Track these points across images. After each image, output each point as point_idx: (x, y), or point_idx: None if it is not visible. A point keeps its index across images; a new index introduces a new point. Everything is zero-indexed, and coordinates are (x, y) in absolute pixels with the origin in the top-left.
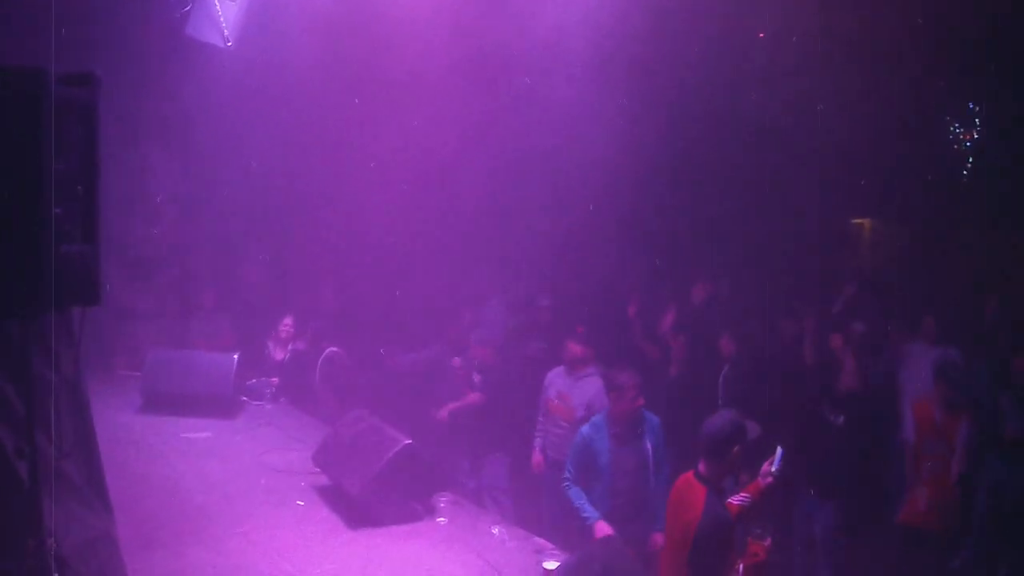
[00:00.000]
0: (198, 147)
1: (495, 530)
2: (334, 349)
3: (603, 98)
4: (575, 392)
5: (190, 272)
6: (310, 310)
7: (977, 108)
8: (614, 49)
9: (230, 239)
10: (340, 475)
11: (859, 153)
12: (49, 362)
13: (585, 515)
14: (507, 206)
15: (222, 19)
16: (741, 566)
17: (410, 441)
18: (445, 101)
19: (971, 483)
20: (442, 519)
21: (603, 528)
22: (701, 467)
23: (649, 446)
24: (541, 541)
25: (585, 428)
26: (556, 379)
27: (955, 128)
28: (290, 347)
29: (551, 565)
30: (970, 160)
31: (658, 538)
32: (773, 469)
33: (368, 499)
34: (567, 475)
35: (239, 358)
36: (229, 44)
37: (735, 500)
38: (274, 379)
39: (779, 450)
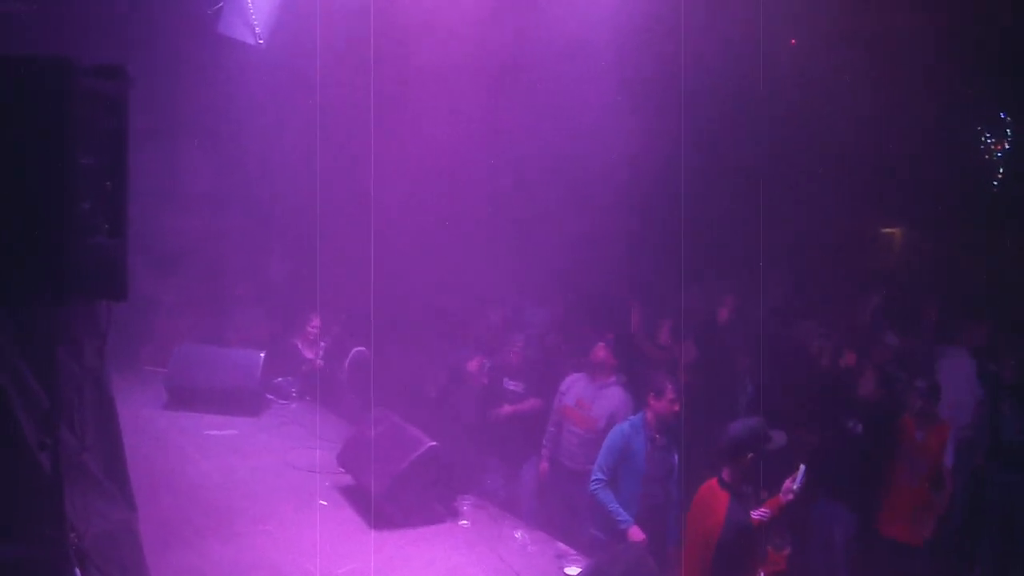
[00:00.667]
0: (228, 142)
1: (517, 534)
2: (361, 349)
3: (626, 100)
4: (597, 401)
5: (218, 267)
6: (338, 309)
7: (1008, 117)
8: (637, 51)
9: (259, 235)
10: (363, 475)
11: (889, 160)
12: (74, 355)
13: (620, 519)
14: (533, 206)
15: (253, 17)
16: (761, 574)
17: (434, 443)
18: (471, 100)
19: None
20: (464, 522)
21: (637, 533)
22: (724, 474)
23: (676, 457)
24: (562, 546)
25: (625, 427)
26: (575, 385)
27: (986, 137)
28: (321, 345)
29: (572, 571)
30: (1001, 170)
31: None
32: (795, 487)
33: (391, 500)
34: (599, 476)
35: (265, 356)
36: (260, 42)
37: (756, 514)
38: (303, 376)
39: (802, 468)
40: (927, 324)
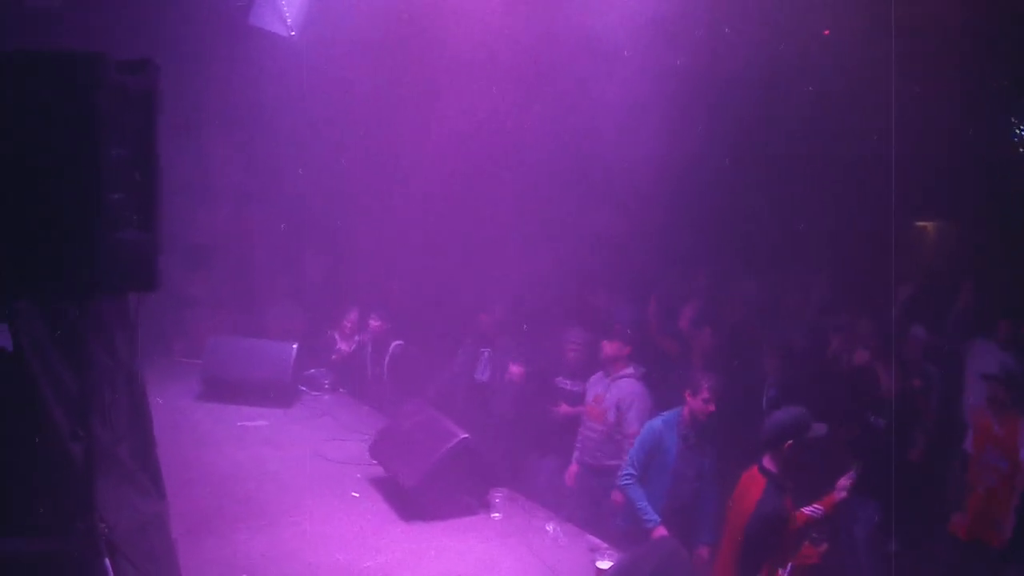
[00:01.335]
0: (259, 136)
1: (549, 527)
2: (399, 342)
3: (653, 97)
4: (609, 393)
5: (252, 261)
6: (373, 303)
7: None
8: (665, 46)
9: (292, 229)
10: (396, 467)
11: (921, 153)
12: (106, 346)
13: (646, 517)
14: (560, 204)
15: (285, 8)
16: (790, 565)
17: (467, 435)
18: (500, 96)
19: None
20: (496, 515)
21: (662, 533)
22: (765, 461)
23: (708, 459)
24: (595, 540)
25: (657, 423)
26: (595, 383)
27: (1021, 130)
28: (356, 339)
29: (604, 564)
30: None
31: (703, 551)
32: (848, 484)
33: (423, 492)
34: (630, 471)
35: (299, 347)
36: (292, 34)
37: (807, 510)
38: (335, 368)
39: (855, 469)
40: (957, 318)
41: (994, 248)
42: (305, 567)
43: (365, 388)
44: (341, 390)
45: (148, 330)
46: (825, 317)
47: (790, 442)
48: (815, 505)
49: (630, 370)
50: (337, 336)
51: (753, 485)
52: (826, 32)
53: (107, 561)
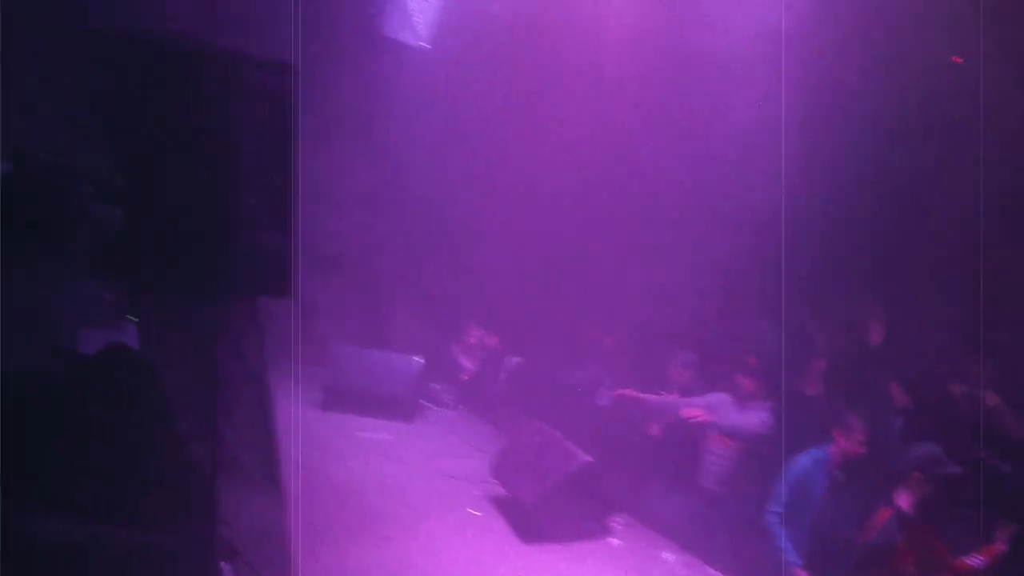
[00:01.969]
0: (388, 143)
1: (666, 556)
2: (519, 360)
3: (780, 113)
4: (737, 421)
5: (377, 270)
6: (496, 319)
7: None
8: (799, 60)
9: (418, 239)
10: (516, 487)
11: None
12: (234, 351)
13: (789, 559)
14: (688, 224)
15: (417, 19)
16: None
17: (590, 459)
18: (628, 113)
19: None
20: (615, 540)
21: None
22: (897, 493)
23: (855, 499)
24: (713, 572)
25: (805, 460)
26: (719, 405)
27: None
28: (477, 354)
29: None
30: None
31: None
32: (1008, 538)
33: (542, 513)
34: (775, 508)
35: (422, 361)
36: (422, 44)
37: (970, 560)
38: (459, 384)
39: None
40: None
41: None
42: None
43: (487, 405)
44: (463, 406)
45: (273, 336)
46: (951, 354)
47: (918, 474)
48: (979, 556)
49: (762, 402)
50: (459, 351)
51: (879, 514)
52: (957, 59)
53: (225, 564)
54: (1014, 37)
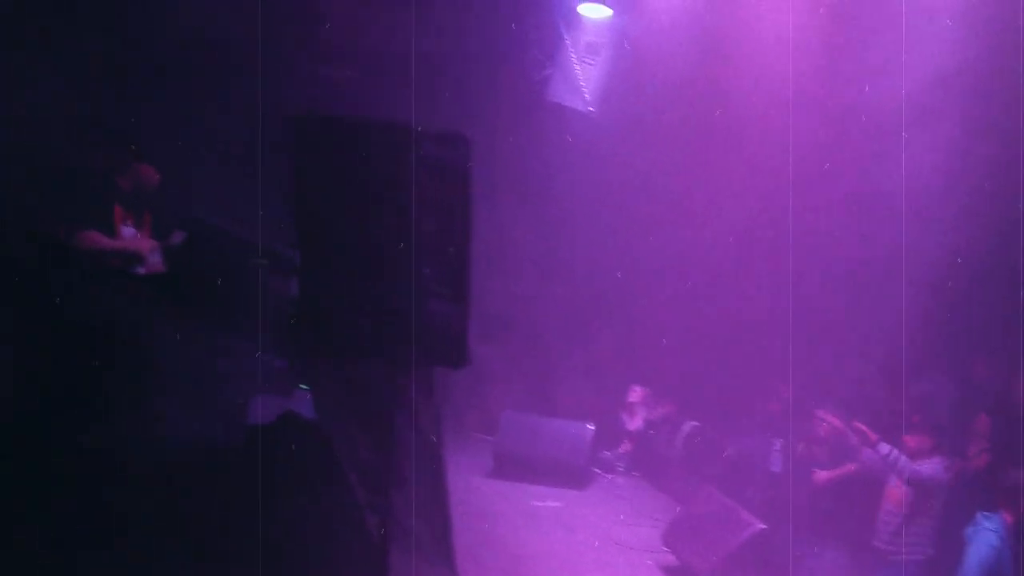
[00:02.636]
0: (556, 207)
1: None
2: (695, 423)
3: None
4: (911, 477)
5: (546, 334)
6: (665, 382)
7: None
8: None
9: (585, 302)
10: (689, 555)
11: None
12: (409, 420)
13: None
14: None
15: (582, 83)
16: None
17: (764, 526)
18: (802, 174)
19: None
20: None
21: None
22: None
23: None
24: None
25: (994, 540)
26: (897, 460)
27: None
28: (643, 417)
29: None
30: None
31: None
32: None
33: None
34: None
35: (593, 428)
36: (590, 109)
37: None
38: (625, 450)
39: None
40: None
41: None
42: None
43: (660, 471)
44: (635, 473)
45: (446, 402)
46: None
47: None
48: None
49: (936, 459)
50: (625, 416)
51: None
52: None
53: None
54: None
